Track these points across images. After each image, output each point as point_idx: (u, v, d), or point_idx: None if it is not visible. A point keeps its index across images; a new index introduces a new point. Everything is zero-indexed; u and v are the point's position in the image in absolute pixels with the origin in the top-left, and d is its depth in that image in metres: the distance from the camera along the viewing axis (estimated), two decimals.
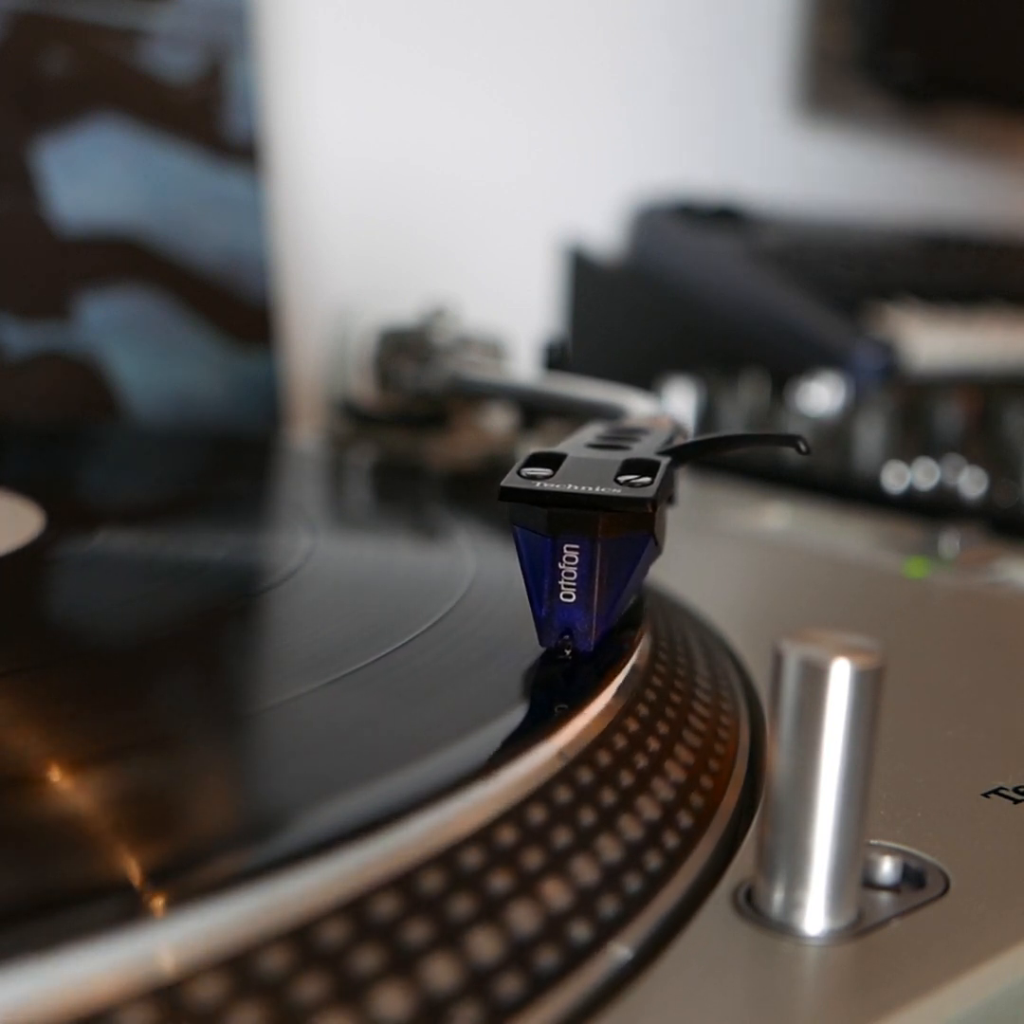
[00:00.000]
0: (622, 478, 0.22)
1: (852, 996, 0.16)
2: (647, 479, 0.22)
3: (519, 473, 0.23)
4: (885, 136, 0.99)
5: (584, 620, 0.22)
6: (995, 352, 0.74)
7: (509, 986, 0.15)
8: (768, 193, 0.88)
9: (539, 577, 0.22)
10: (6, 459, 0.45)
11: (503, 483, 0.22)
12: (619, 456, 0.24)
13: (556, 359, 0.49)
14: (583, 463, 0.23)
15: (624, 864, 0.18)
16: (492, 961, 0.15)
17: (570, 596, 0.22)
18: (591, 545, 0.22)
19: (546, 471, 0.23)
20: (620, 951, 0.16)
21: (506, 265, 0.76)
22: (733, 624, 0.31)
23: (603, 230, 0.80)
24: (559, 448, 0.25)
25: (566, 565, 0.22)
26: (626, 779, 0.19)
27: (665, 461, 0.23)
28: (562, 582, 0.22)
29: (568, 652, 0.22)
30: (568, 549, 0.22)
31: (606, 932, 0.16)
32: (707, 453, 0.26)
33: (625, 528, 0.22)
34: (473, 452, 0.49)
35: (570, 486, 0.22)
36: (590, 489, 0.22)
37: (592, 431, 0.28)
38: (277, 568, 0.29)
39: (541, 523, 0.22)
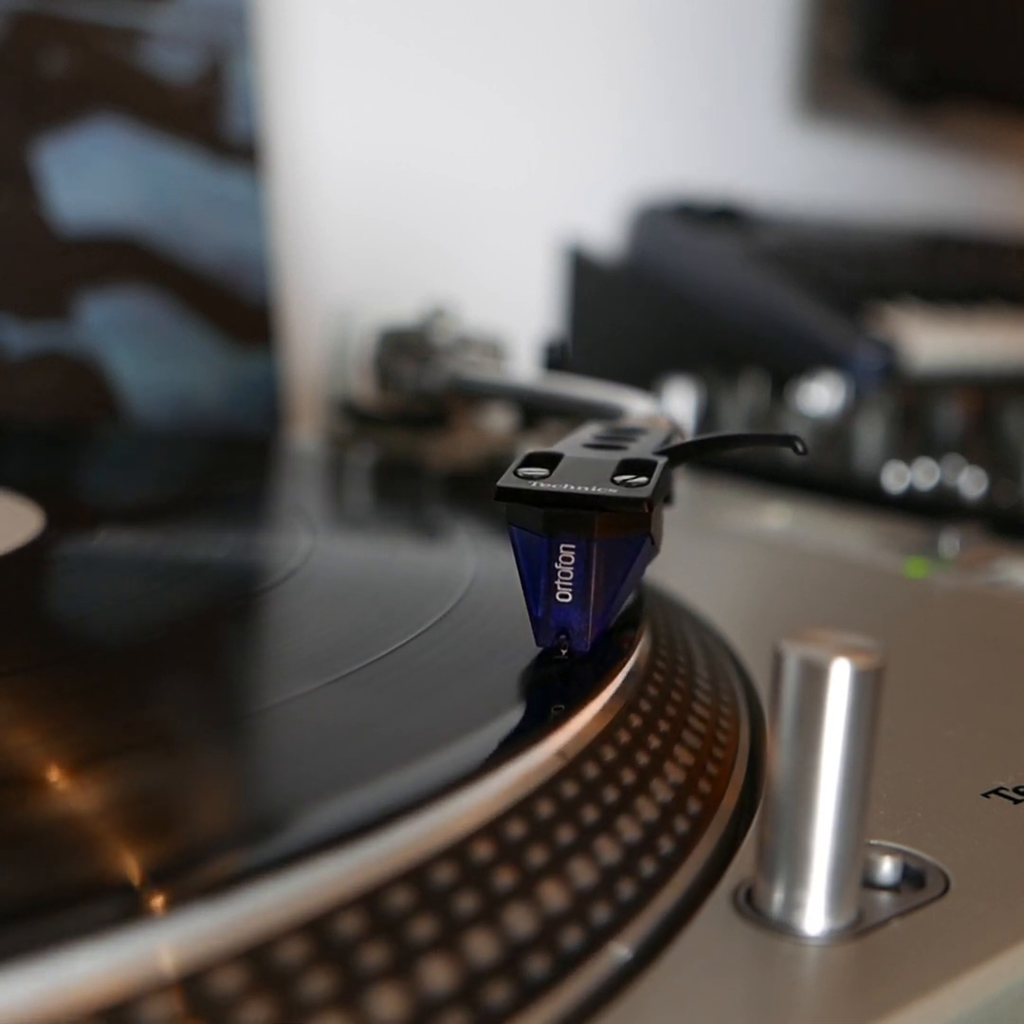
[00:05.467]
0: (619, 478, 0.22)
1: (852, 996, 0.16)
2: (643, 479, 0.22)
3: (515, 473, 0.23)
4: (885, 136, 0.99)
5: (580, 620, 0.22)
6: (995, 352, 0.74)
7: (509, 986, 0.15)
8: (768, 193, 0.88)
9: (535, 577, 0.22)
10: (6, 459, 0.45)
11: (499, 483, 0.22)
12: (616, 456, 0.24)
13: (556, 359, 0.49)
14: (580, 463, 0.23)
15: (624, 864, 0.18)
16: (491, 961, 0.15)
17: (566, 596, 0.22)
18: (587, 545, 0.22)
19: (543, 471, 0.23)
20: (620, 951, 0.16)
21: (506, 265, 0.76)
22: (733, 624, 0.31)
23: (603, 230, 0.80)
24: (556, 448, 0.25)
25: (562, 565, 0.22)
26: (626, 779, 0.19)
27: (662, 461, 0.23)
28: (558, 582, 0.22)
29: (565, 652, 0.22)
30: (564, 549, 0.22)
31: (606, 932, 0.16)
32: (704, 453, 0.26)
33: (621, 528, 0.22)
34: (473, 452, 0.49)
35: (566, 486, 0.22)
36: (586, 489, 0.22)
37: (589, 431, 0.28)
38: (277, 568, 0.29)
39: (537, 523, 0.22)
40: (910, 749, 0.24)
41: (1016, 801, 0.22)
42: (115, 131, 0.55)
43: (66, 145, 0.53)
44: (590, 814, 0.18)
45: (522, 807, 0.17)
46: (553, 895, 0.16)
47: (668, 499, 0.25)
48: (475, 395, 0.47)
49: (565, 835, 0.17)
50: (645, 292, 0.76)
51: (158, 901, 0.14)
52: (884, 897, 0.18)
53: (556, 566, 0.22)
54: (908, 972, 0.16)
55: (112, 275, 0.54)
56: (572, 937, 0.16)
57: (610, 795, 0.19)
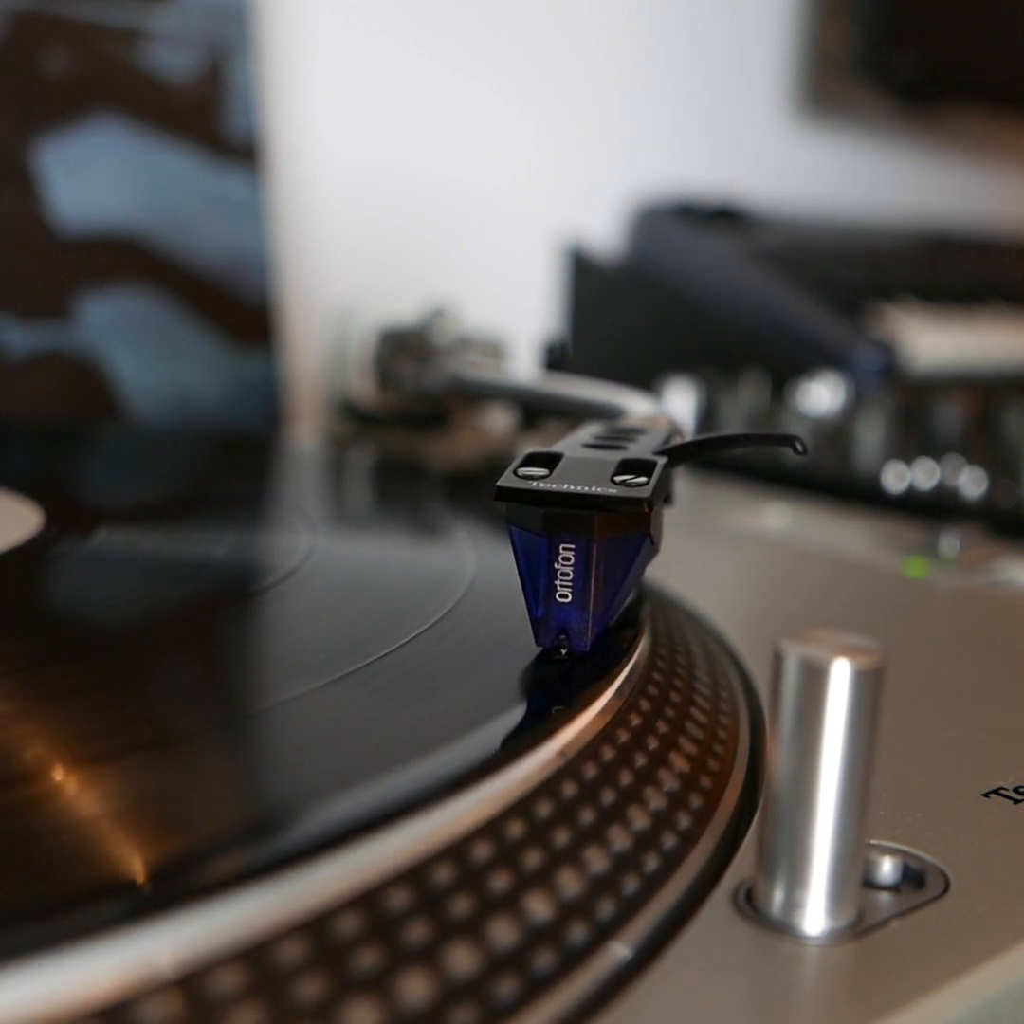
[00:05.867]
0: (618, 478, 0.22)
1: (852, 996, 0.16)
2: (643, 479, 0.22)
3: (515, 473, 0.23)
4: (885, 136, 0.99)
5: (580, 620, 0.22)
6: (995, 352, 0.74)
7: (508, 986, 0.15)
8: (768, 193, 0.88)
9: (535, 577, 0.22)
10: (6, 459, 0.45)
11: (499, 483, 0.22)
12: (616, 456, 0.24)
13: (556, 359, 0.49)
14: (579, 463, 0.23)
15: (624, 864, 0.18)
16: (491, 961, 0.15)
17: (566, 596, 0.22)
18: (587, 545, 0.22)
19: (542, 471, 0.23)
20: (620, 951, 0.16)
21: (506, 265, 0.76)
22: (733, 624, 0.31)
23: (603, 230, 0.80)
24: (555, 448, 0.25)
25: (562, 565, 0.22)
26: (625, 779, 0.19)
27: (661, 461, 0.23)
28: (558, 582, 0.22)
29: (564, 652, 0.22)
30: (564, 549, 0.22)
31: (606, 932, 0.16)
32: (704, 453, 0.26)
33: (621, 528, 0.22)
34: (473, 452, 0.49)
35: (566, 486, 0.22)
36: (586, 489, 0.22)
37: (589, 431, 0.28)
38: (277, 567, 0.29)
39: (537, 523, 0.22)
40: (910, 749, 0.24)
41: (1016, 801, 0.22)
42: (115, 131, 0.55)
43: (66, 145, 0.53)
44: (589, 814, 0.18)
45: (522, 806, 0.17)
46: (552, 894, 0.16)
47: (668, 499, 0.25)
48: (475, 395, 0.47)
49: (564, 834, 0.17)
50: (645, 292, 0.76)
51: (161, 901, 0.14)
52: (884, 897, 0.18)
53: (556, 566, 0.22)
54: (908, 972, 0.16)
55: (112, 275, 0.54)
56: (572, 936, 0.16)
57: (609, 795, 0.19)
